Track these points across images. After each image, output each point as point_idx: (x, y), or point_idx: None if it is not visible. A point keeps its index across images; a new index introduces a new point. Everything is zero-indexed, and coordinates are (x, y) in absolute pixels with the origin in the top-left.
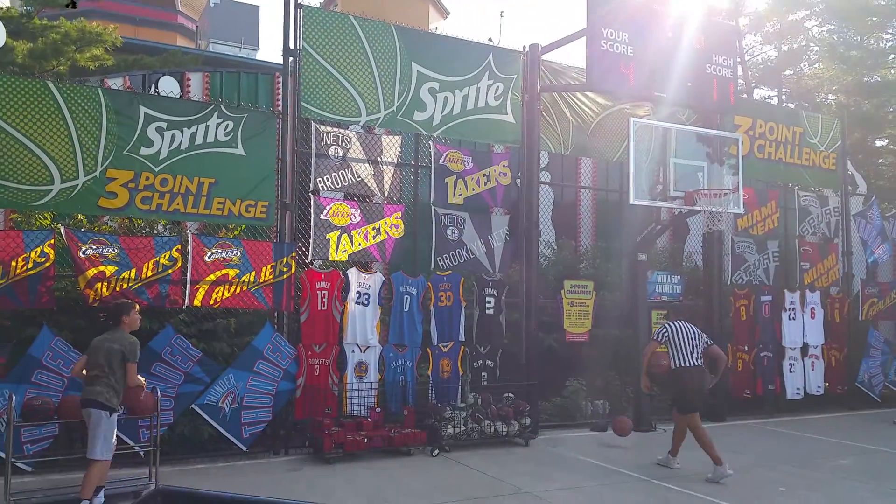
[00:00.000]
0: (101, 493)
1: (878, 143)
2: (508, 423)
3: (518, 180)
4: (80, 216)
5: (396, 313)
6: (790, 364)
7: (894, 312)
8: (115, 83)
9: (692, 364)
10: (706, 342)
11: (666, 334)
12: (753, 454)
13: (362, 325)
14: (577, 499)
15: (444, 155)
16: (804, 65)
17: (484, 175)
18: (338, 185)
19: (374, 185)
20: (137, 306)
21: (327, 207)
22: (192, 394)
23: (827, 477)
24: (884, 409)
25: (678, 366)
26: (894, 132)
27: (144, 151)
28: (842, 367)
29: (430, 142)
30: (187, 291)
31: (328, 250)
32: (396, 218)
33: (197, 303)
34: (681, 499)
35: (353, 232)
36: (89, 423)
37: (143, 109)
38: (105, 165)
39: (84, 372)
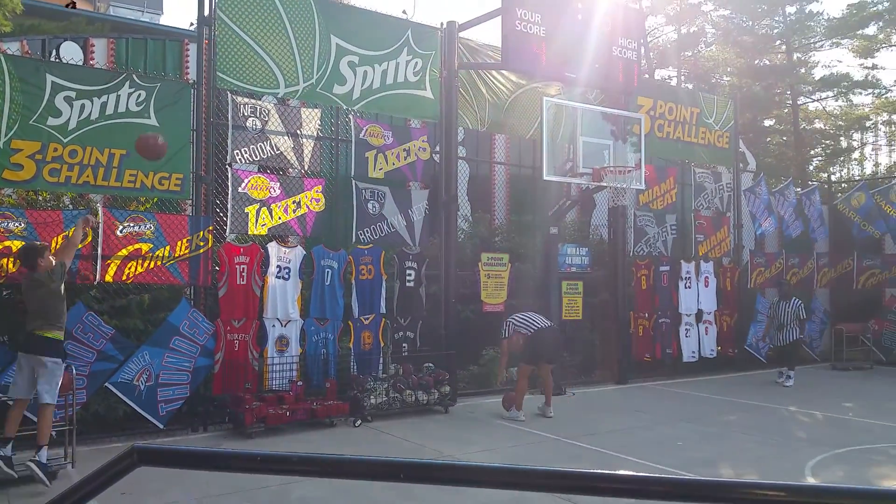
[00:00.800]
0: (45, 450)
1: (767, 122)
2: (429, 391)
3: (436, 155)
4: None
5: (318, 287)
6: (686, 329)
7: (779, 280)
8: (12, 48)
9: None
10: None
11: (514, 325)
12: (653, 413)
13: (283, 299)
14: (495, 458)
15: (365, 129)
16: (701, 47)
17: (404, 150)
18: (256, 157)
19: (294, 158)
20: (49, 247)
21: (245, 180)
22: (105, 372)
23: (719, 431)
24: (770, 370)
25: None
26: (781, 113)
27: (52, 122)
28: (732, 331)
29: (350, 116)
30: (98, 267)
31: (247, 224)
32: (317, 192)
33: (109, 278)
34: (589, 454)
35: (273, 206)
36: (41, 369)
37: (50, 78)
38: (9, 136)
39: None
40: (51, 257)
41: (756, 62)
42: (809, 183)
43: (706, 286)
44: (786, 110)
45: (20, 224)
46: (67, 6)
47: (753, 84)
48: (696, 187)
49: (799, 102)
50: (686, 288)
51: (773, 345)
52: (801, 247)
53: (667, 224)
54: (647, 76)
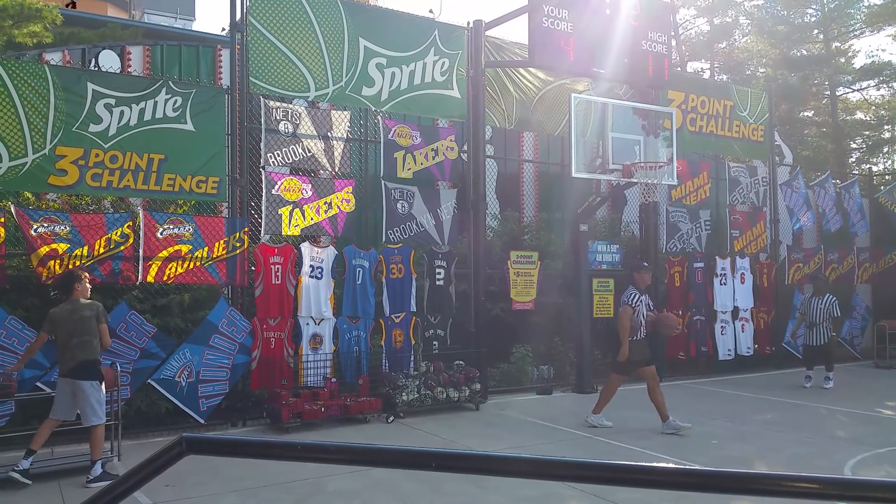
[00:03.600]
0: (99, 464)
1: (804, 114)
2: (459, 389)
3: (464, 154)
4: (26, 194)
5: (349, 286)
6: (721, 327)
7: (814, 275)
8: (54, 58)
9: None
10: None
11: (636, 298)
12: (688, 411)
13: (316, 298)
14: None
15: (393, 130)
16: (735, 38)
17: (432, 149)
18: (288, 160)
19: (325, 159)
20: (87, 275)
21: (279, 182)
22: (148, 369)
23: (755, 430)
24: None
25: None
26: (819, 104)
27: (93, 128)
28: (769, 328)
29: (379, 117)
30: (140, 268)
31: (281, 225)
32: (347, 192)
33: (150, 279)
34: (622, 452)
35: (305, 206)
36: (79, 393)
37: (90, 86)
38: (54, 143)
39: (53, 345)
40: (87, 285)
41: (792, 52)
42: (849, 175)
43: (742, 282)
44: (824, 101)
45: (65, 227)
46: (67, 6)
47: (789, 75)
48: (731, 182)
49: (838, 93)
50: (721, 284)
51: (805, 343)
52: (840, 241)
53: (700, 220)
54: (678, 69)
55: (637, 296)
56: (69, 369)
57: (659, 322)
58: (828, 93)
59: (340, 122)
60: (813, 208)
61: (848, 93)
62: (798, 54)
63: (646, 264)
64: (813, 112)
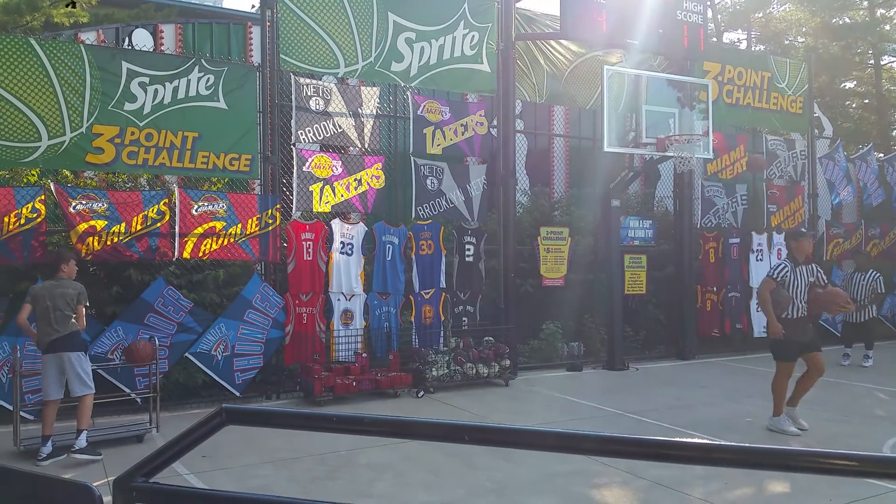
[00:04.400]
0: (85, 434)
1: (846, 85)
2: (489, 364)
3: (494, 129)
4: (65, 172)
5: (379, 262)
6: (757, 303)
7: (856, 250)
8: (89, 38)
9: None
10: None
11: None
12: (721, 388)
13: (347, 274)
14: None
15: (423, 105)
16: (773, 7)
17: (461, 125)
18: (319, 137)
19: (355, 136)
20: (75, 257)
21: (309, 159)
22: (185, 343)
23: None
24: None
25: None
26: (862, 75)
27: (129, 107)
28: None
29: (409, 92)
30: (176, 244)
31: (311, 202)
32: (377, 169)
33: (186, 255)
34: (653, 429)
35: (336, 183)
36: (66, 365)
37: (125, 65)
38: (91, 121)
39: (28, 322)
40: (75, 267)
41: (833, 20)
42: (893, 148)
43: (779, 258)
44: (867, 71)
45: (103, 204)
46: (67, 6)
47: (831, 44)
48: (769, 155)
49: (882, 62)
50: (758, 261)
51: (846, 321)
52: (882, 216)
53: (737, 194)
54: (713, 40)
55: (785, 268)
56: (51, 342)
57: (820, 300)
58: (871, 62)
59: (370, 98)
60: (854, 182)
61: (893, 62)
62: (840, 22)
63: (804, 231)
64: (855, 83)
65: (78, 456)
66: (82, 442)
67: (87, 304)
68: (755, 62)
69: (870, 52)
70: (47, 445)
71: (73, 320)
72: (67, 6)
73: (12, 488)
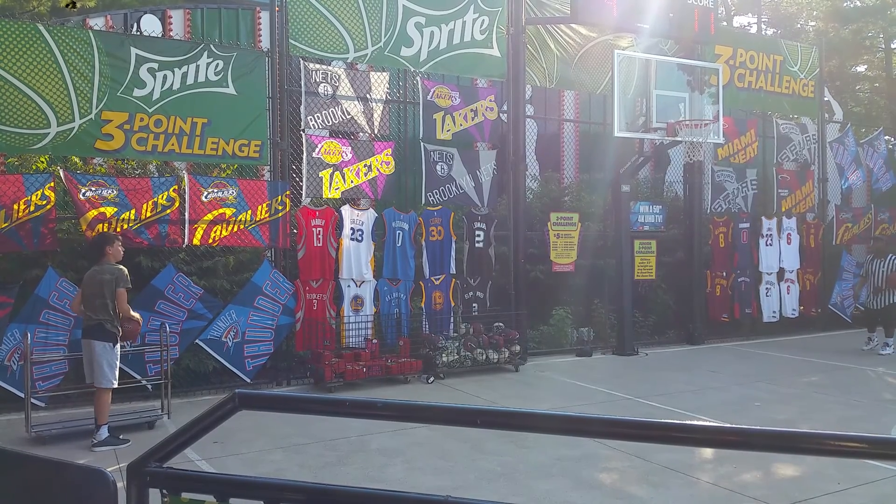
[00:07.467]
0: (105, 428)
1: (857, 69)
2: (499, 350)
3: (504, 114)
4: (74, 159)
5: (389, 248)
6: (766, 288)
7: (867, 237)
8: (97, 23)
9: None
10: None
11: None
12: (730, 373)
13: (357, 261)
14: None
15: (432, 90)
16: None
17: (471, 110)
18: (328, 122)
19: (364, 121)
20: (120, 238)
21: (319, 145)
22: (195, 329)
23: (799, 392)
24: (854, 330)
25: None
26: (872, 58)
27: (137, 93)
28: (816, 290)
29: (418, 78)
30: (186, 231)
31: (321, 188)
32: (387, 155)
33: (196, 241)
34: (662, 414)
35: (346, 169)
36: (92, 354)
37: (134, 51)
38: (100, 108)
39: (81, 307)
40: (120, 248)
41: (844, 4)
42: None
43: (788, 243)
44: (878, 55)
45: (112, 191)
46: (67, 6)
47: (841, 28)
48: (781, 139)
49: (893, 46)
50: (767, 245)
51: (867, 307)
52: (891, 200)
53: (747, 179)
54: (724, 24)
55: None
56: (84, 328)
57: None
58: (882, 46)
59: (379, 84)
60: (863, 166)
61: None
62: (850, 6)
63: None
64: (866, 67)
65: (97, 449)
66: (101, 435)
67: (129, 286)
68: (767, 46)
69: (880, 35)
70: (100, 431)
71: (111, 306)
72: (67, 6)
73: (27, 474)
